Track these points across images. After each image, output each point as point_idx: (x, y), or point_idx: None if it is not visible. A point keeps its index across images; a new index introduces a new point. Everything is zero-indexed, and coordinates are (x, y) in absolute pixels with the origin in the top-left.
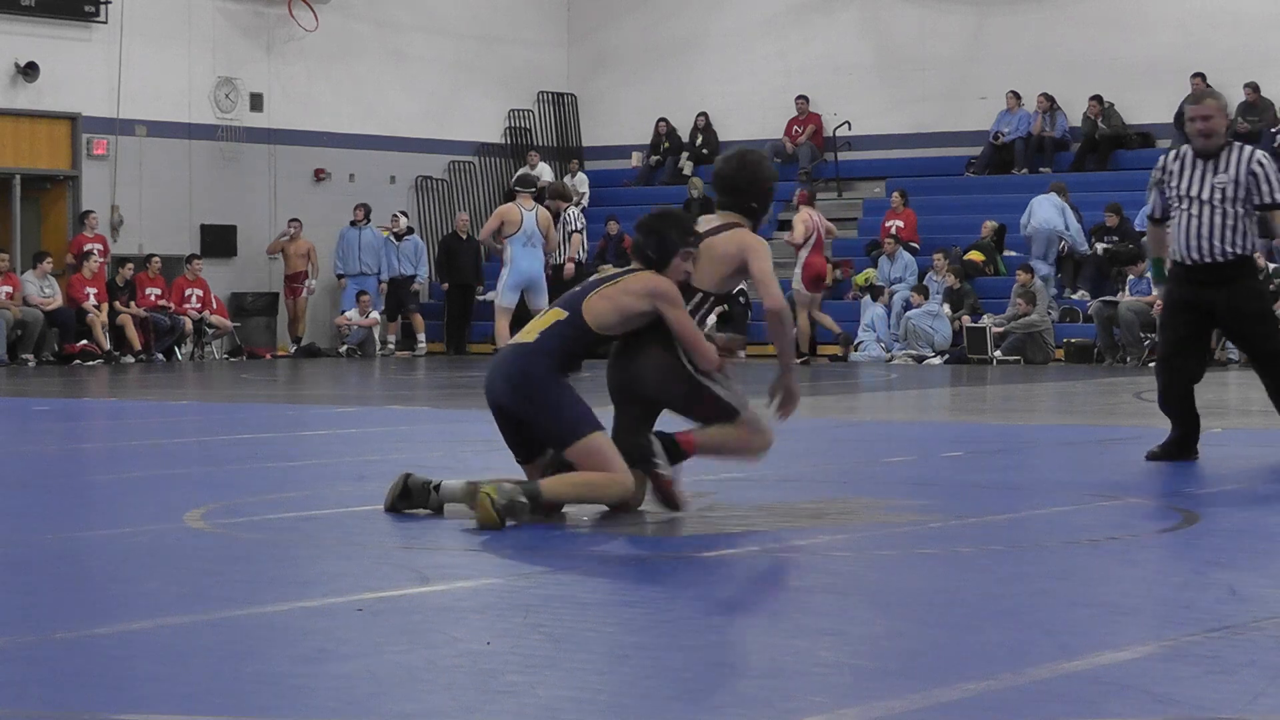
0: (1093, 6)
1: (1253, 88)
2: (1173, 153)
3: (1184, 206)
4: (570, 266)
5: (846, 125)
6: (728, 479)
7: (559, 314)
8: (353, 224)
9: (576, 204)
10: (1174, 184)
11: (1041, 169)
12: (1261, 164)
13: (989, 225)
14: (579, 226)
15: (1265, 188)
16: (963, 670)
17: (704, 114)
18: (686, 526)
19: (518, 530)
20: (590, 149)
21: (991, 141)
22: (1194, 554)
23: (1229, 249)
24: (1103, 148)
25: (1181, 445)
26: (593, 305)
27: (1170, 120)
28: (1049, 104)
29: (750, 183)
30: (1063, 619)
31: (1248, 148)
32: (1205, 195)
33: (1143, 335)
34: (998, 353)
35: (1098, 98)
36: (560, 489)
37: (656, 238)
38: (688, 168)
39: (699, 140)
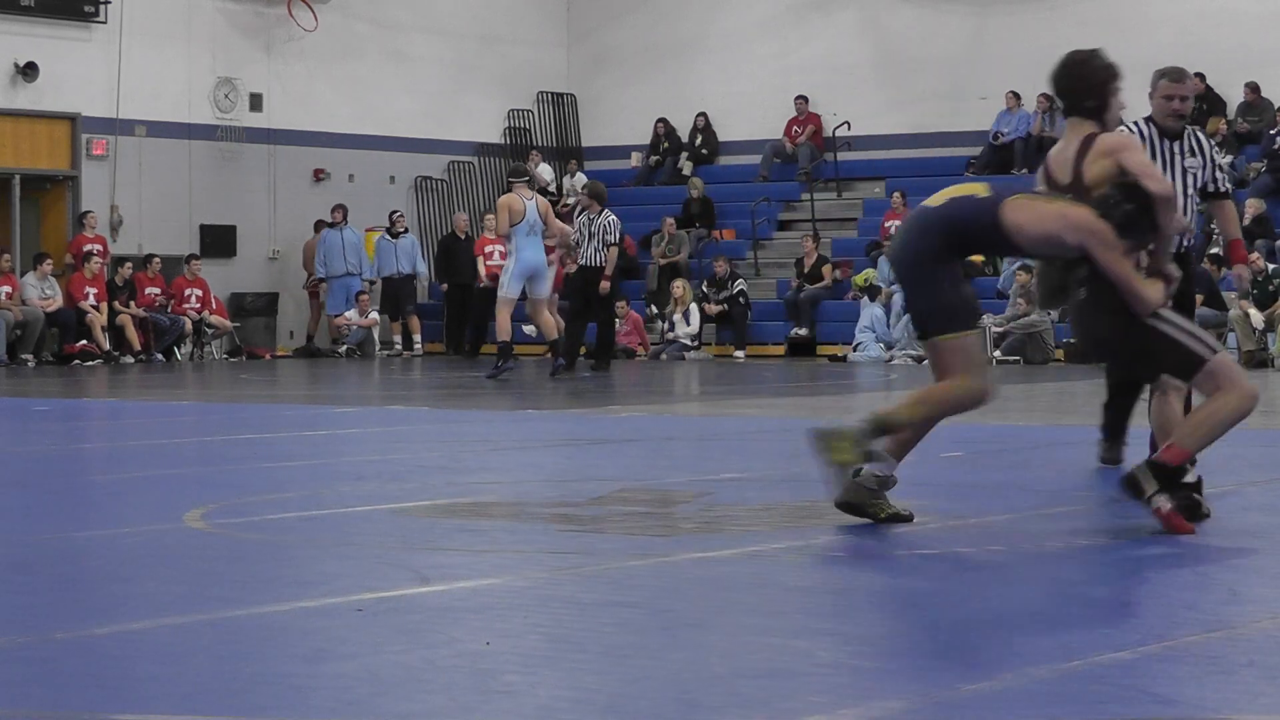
0: (1092, 6)
1: (1252, 88)
2: (1133, 128)
3: None
4: (605, 284)
5: (846, 125)
6: (727, 479)
7: (980, 189)
8: (332, 225)
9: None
10: None
11: None
12: (1216, 150)
13: None
14: (615, 238)
15: (1220, 175)
16: (961, 670)
17: (703, 114)
18: (686, 526)
19: (517, 532)
20: (589, 149)
21: (991, 142)
22: (1195, 555)
23: (1192, 239)
24: None
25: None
26: (1017, 207)
27: None
28: (1049, 104)
29: (1080, 80)
30: (1062, 619)
31: (1199, 131)
32: (1176, 178)
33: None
34: (997, 353)
35: None
36: (909, 411)
37: (1137, 211)
38: (687, 168)
39: (698, 140)
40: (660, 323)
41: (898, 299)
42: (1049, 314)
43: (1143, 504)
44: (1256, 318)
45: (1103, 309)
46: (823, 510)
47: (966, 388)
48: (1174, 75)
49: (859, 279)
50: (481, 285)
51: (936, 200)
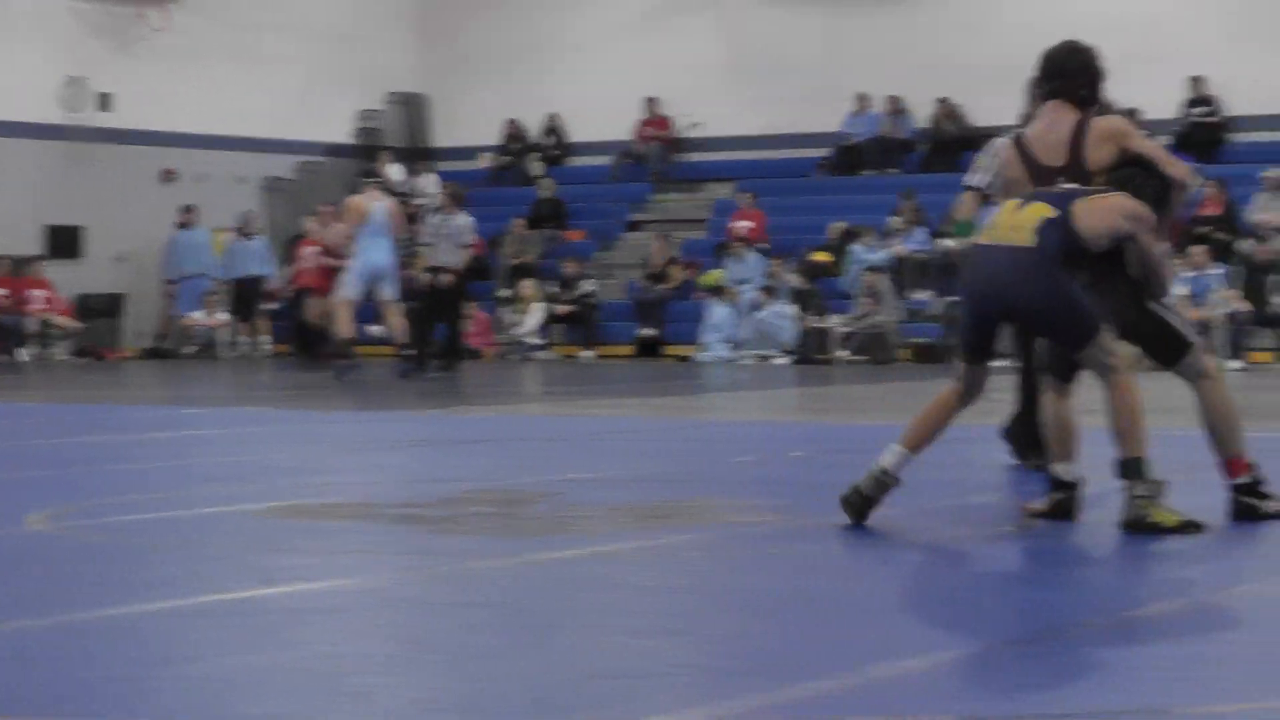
0: (942, 10)
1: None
2: (1002, 139)
3: None
4: (449, 277)
5: (697, 126)
6: (575, 479)
7: (1044, 210)
8: (181, 226)
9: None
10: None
11: (889, 170)
12: None
13: (836, 226)
14: (469, 240)
15: None
16: (808, 669)
17: (554, 115)
18: (534, 527)
19: (365, 533)
20: (441, 149)
21: (841, 143)
22: (1042, 552)
23: None
24: (950, 149)
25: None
26: (1084, 212)
27: (1016, 122)
28: (896, 105)
29: (1081, 68)
30: (904, 617)
31: None
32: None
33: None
34: (844, 353)
35: (945, 100)
36: (1129, 438)
37: (1160, 185)
38: (537, 169)
39: (548, 141)
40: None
41: (745, 299)
42: (896, 314)
43: (1267, 520)
44: None
45: (1106, 292)
46: (671, 509)
47: (1120, 369)
48: None
49: (707, 279)
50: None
51: (1013, 237)
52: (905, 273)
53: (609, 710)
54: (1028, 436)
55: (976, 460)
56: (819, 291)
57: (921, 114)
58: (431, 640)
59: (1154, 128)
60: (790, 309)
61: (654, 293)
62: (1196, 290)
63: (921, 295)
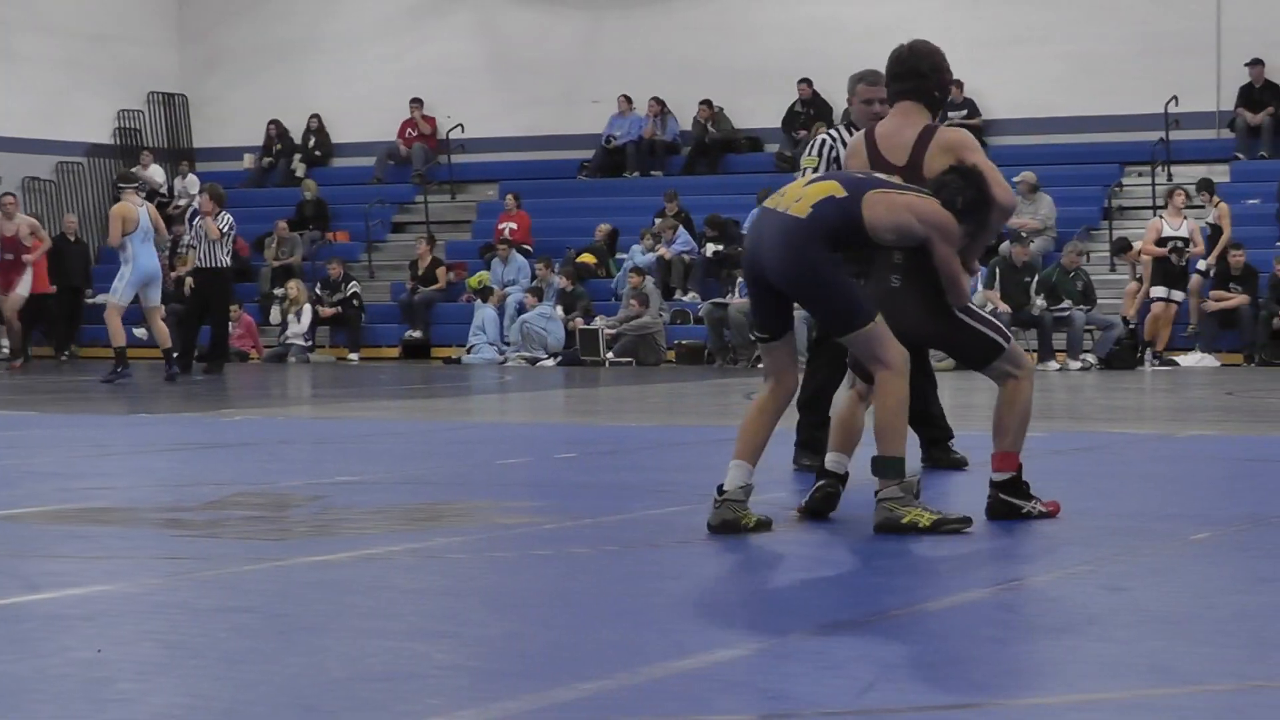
0: (704, 12)
1: None
2: (832, 134)
3: None
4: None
5: (460, 128)
6: (342, 482)
7: (834, 189)
8: None
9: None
10: (845, 166)
11: (653, 172)
12: None
13: (602, 228)
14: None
15: None
16: (579, 670)
17: (316, 116)
18: (301, 530)
19: (129, 538)
20: (202, 150)
21: (604, 145)
22: (802, 550)
23: None
24: (713, 152)
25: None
26: (874, 202)
27: (779, 125)
28: (660, 108)
29: (933, 69)
30: (677, 617)
31: None
32: None
33: (752, 336)
34: (610, 354)
35: (708, 102)
36: (887, 436)
37: (975, 196)
38: (300, 170)
39: (311, 142)
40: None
41: (511, 301)
42: (661, 315)
43: (1023, 519)
44: None
45: (914, 299)
46: (439, 512)
47: (895, 365)
48: (871, 79)
49: (473, 281)
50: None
51: (792, 206)
52: (671, 274)
53: (378, 713)
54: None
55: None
56: (585, 293)
57: (685, 116)
58: (197, 645)
59: None
60: (557, 311)
61: (420, 295)
62: None
63: (687, 297)
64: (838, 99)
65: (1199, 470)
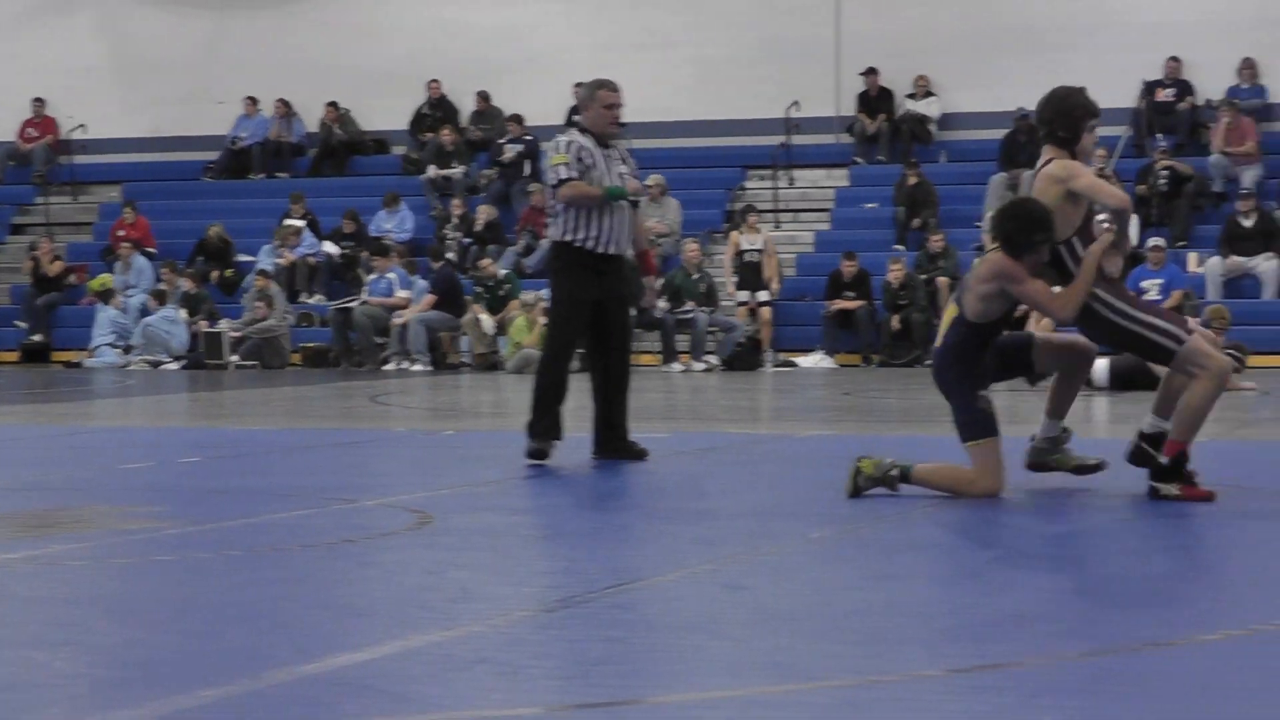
0: (330, 13)
1: (484, 96)
2: (575, 134)
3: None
4: None
5: (82, 128)
6: None
7: (953, 310)
8: None
9: None
10: (594, 173)
11: (279, 174)
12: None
13: (214, 229)
14: None
15: (637, 185)
16: (202, 676)
17: None
18: None
19: None
20: None
21: (229, 146)
22: (429, 554)
23: (629, 243)
24: (339, 153)
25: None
26: (966, 302)
27: (406, 127)
28: (286, 109)
29: (1055, 114)
30: (301, 622)
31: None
32: (613, 185)
33: (377, 339)
34: (235, 357)
35: (334, 104)
36: (929, 476)
37: (1006, 232)
38: None
39: None
40: None
41: (134, 303)
42: (286, 318)
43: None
44: (488, 322)
45: (1092, 315)
46: (57, 518)
47: (981, 486)
48: (611, 86)
49: (94, 284)
50: None
51: (941, 333)
52: (296, 277)
53: None
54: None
55: (362, 462)
56: (209, 296)
57: (311, 118)
58: None
59: (540, 134)
60: (180, 313)
61: (40, 297)
62: None
63: (312, 299)
64: (465, 101)
65: (818, 469)
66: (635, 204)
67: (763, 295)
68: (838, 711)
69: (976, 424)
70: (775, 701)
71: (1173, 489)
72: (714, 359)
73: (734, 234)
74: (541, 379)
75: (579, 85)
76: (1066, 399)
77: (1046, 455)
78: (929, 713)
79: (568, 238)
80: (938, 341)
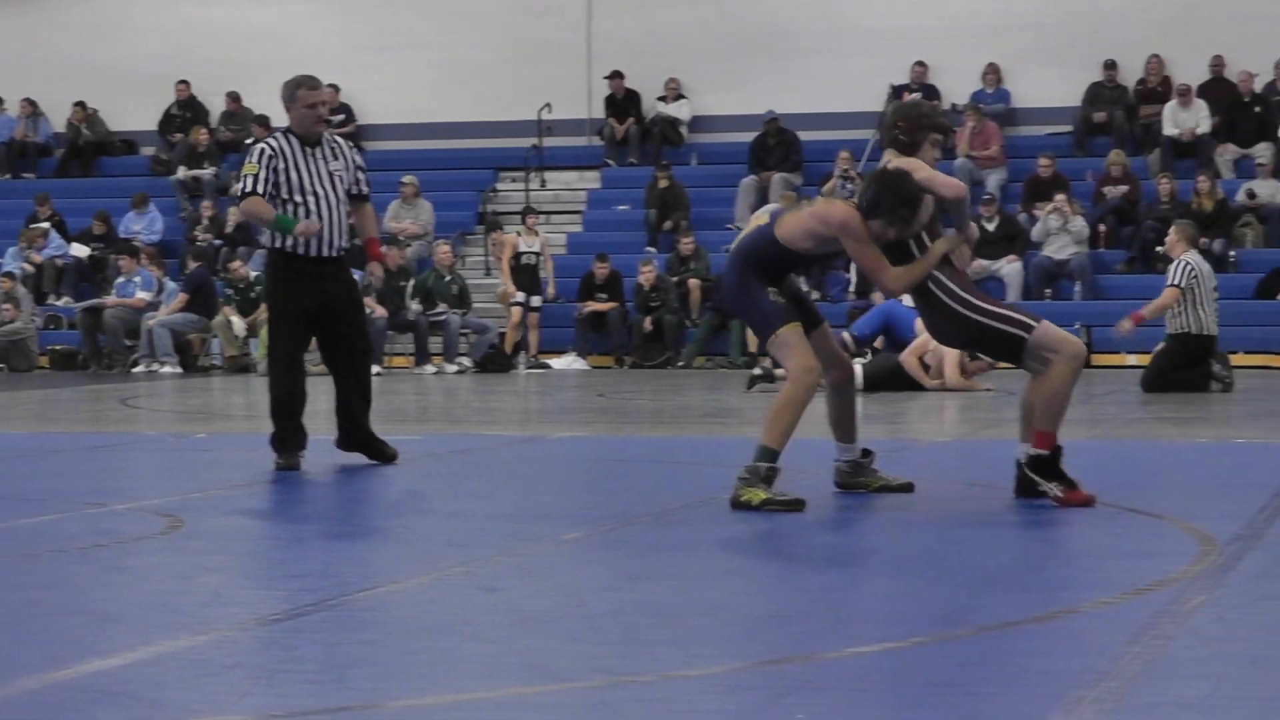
0: (78, 12)
1: (234, 97)
2: (271, 142)
3: (302, 199)
4: None
5: None
6: None
7: (761, 219)
8: None
9: None
10: (287, 175)
11: (25, 174)
12: (357, 152)
13: None
14: None
15: (362, 178)
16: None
17: None
18: None
19: None
20: None
21: None
22: (180, 559)
23: (344, 242)
24: (87, 154)
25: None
26: (785, 222)
27: (154, 128)
28: (32, 109)
29: (901, 119)
30: (51, 628)
31: (337, 136)
32: (326, 186)
33: (127, 342)
34: None
35: (81, 104)
36: (775, 430)
37: (875, 193)
38: None
39: None
40: None
41: None
42: (33, 320)
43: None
44: (239, 325)
45: (936, 309)
46: None
47: (801, 369)
48: (312, 84)
49: None
50: None
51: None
52: (44, 279)
53: None
54: (289, 433)
55: (112, 466)
56: None
57: (58, 117)
58: None
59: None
60: None
61: None
62: None
63: (60, 301)
64: (215, 102)
65: (571, 471)
66: (365, 196)
67: (535, 301)
68: (591, 712)
69: (776, 314)
70: (529, 703)
71: (1055, 489)
72: (467, 361)
73: (511, 236)
74: (273, 392)
75: (328, 87)
76: (849, 420)
77: (852, 477)
78: (682, 713)
79: (277, 243)
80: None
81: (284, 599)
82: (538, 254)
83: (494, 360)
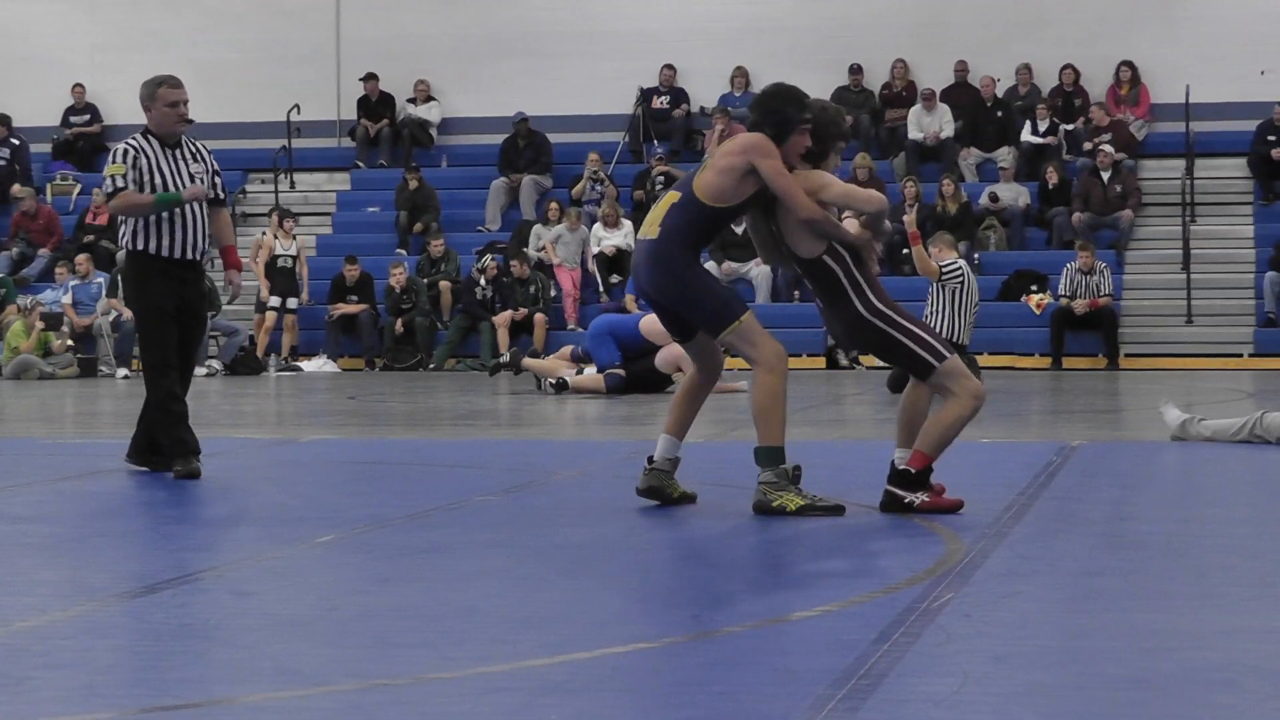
0: None
1: None
2: (133, 142)
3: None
4: None
5: None
6: None
7: (673, 197)
8: None
9: None
10: (151, 176)
11: None
12: (214, 157)
13: None
14: None
15: (219, 182)
16: None
17: None
18: None
19: None
20: None
21: None
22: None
23: (205, 245)
24: None
25: (155, 448)
26: (702, 180)
27: None
28: None
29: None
30: None
31: (194, 139)
32: (183, 185)
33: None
34: None
35: None
36: (771, 428)
37: (776, 115)
38: None
39: None
40: None
41: None
42: None
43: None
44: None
45: (832, 307)
46: None
47: (767, 361)
48: (173, 82)
49: None
50: None
51: (648, 231)
52: None
53: None
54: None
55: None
56: None
57: None
58: None
59: (31, 135)
60: None
61: None
62: (81, 298)
63: None
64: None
65: (323, 474)
66: (221, 201)
67: (292, 303)
68: (344, 716)
69: (730, 304)
70: (281, 707)
71: (920, 497)
72: (216, 364)
73: (266, 238)
74: (150, 399)
75: (75, 86)
76: (689, 417)
77: (666, 480)
78: (436, 716)
79: (139, 245)
80: (649, 233)
81: (35, 606)
82: (294, 256)
83: (244, 363)
